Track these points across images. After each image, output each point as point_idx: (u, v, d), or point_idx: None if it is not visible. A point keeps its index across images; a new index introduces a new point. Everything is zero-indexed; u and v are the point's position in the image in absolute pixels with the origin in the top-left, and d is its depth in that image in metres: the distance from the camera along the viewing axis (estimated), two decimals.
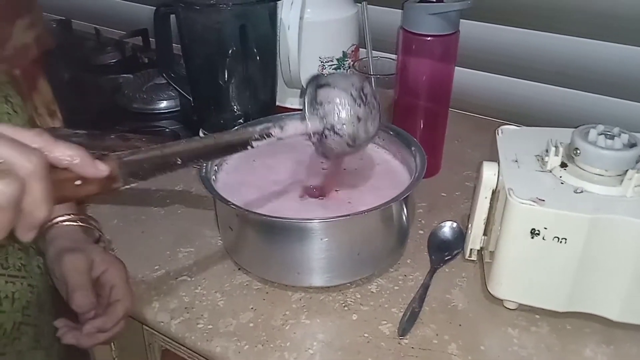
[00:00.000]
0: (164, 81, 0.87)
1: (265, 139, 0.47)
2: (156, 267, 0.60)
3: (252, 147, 0.46)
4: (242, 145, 0.47)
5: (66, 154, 0.33)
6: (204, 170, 0.57)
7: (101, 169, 0.35)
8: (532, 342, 0.51)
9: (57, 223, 0.53)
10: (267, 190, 0.59)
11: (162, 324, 0.53)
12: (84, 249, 0.51)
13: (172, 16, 0.69)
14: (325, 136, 0.49)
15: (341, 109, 0.48)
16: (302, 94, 0.51)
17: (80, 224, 0.54)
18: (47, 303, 0.59)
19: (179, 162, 0.41)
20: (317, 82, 0.50)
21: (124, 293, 0.49)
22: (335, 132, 0.49)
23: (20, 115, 0.51)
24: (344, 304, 0.55)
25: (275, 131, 0.48)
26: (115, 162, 0.37)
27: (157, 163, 0.40)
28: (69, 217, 0.54)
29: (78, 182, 0.34)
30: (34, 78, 0.61)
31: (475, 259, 0.59)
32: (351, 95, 0.49)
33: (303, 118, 0.50)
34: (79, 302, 0.48)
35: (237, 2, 0.65)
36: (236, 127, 0.63)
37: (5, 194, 0.28)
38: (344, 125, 0.49)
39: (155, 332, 0.57)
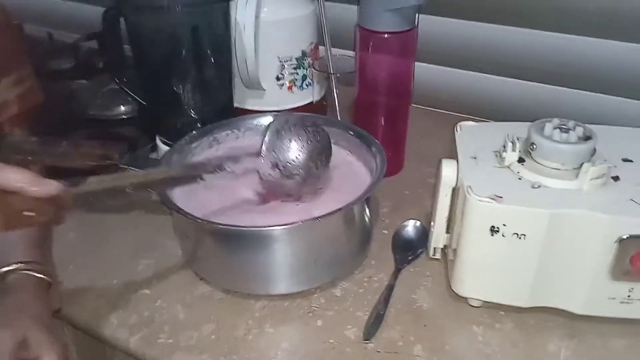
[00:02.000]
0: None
1: (218, 172, 0.50)
2: (115, 281, 0.58)
3: (203, 180, 0.48)
4: (194, 178, 0.50)
5: (14, 178, 0.35)
6: None
7: (50, 187, 0.36)
8: (496, 339, 0.51)
9: (14, 270, 0.49)
10: (225, 197, 0.57)
11: (120, 340, 0.52)
12: (19, 324, 0.44)
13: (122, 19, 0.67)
14: (279, 174, 0.54)
15: (294, 148, 0.54)
16: (263, 134, 0.56)
17: (36, 274, 0.50)
18: None
19: (130, 191, 0.43)
20: (275, 122, 0.57)
21: None
22: (287, 170, 0.54)
23: None
24: (308, 310, 0.54)
25: (229, 165, 0.51)
26: (66, 192, 0.38)
27: (107, 193, 0.42)
28: (26, 265, 0.49)
29: (28, 213, 0.36)
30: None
31: (439, 257, 0.59)
32: (305, 134, 0.55)
33: (258, 154, 0.54)
34: None
35: (187, 4, 0.63)
36: (193, 142, 0.63)
37: None
38: (296, 164, 0.54)
39: (116, 350, 0.55)
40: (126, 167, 0.59)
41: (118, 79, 0.70)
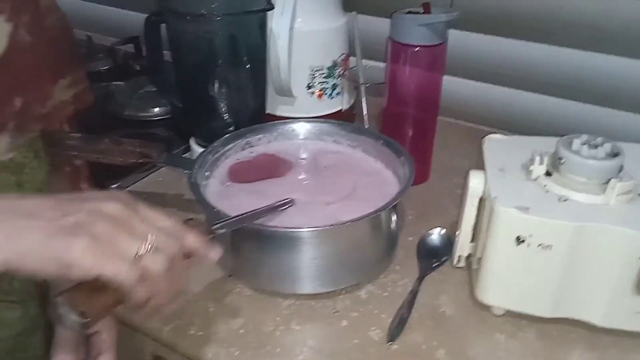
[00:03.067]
0: (156, 88, 0.88)
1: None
2: None
3: None
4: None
5: (196, 241, 0.42)
6: (192, 177, 0.58)
7: (215, 254, 0.45)
8: (518, 348, 0.52)
9: None
10: (262, 201, 0.59)
11: (153, 330, 0.54)
12: None
13: (163, 25, 0.70)
14: None
15: None
16: None
17: None
18: (37, 330, 0.59)
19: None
20: None
21: None
22: None
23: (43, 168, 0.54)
24: (334, 311, 0.56)
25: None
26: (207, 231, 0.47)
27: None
28: None
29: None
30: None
31: (463, 266, 0.60)
32: None
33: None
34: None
35: (228, 12, 0.66)
36: None
37: (161, 265, 0.37)
38: None
39: (147, 339, 0.57)
40: (163, 165, 0.61)
41: (156, 81, 0.73)
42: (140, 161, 0.60)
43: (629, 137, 0.74)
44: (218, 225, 0.49)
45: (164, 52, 0.73)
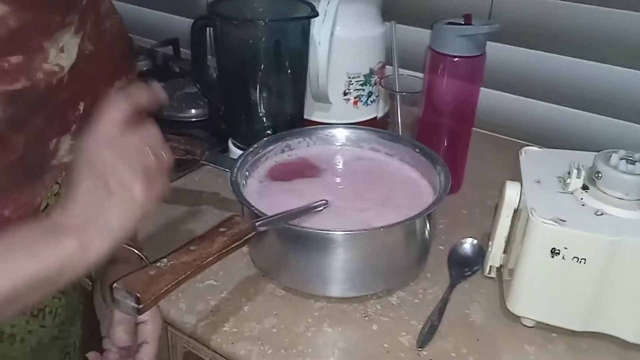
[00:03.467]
0: (194, 90, 0.90)
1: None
2: None
3: None
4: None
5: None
6: (233, 175, 0.60)
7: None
8: None
9: (124, 245, 0.53)
10: (300, 201, 0.60)
11: (188, 325, 0.55)
12: None
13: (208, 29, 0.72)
14: None
15: None
16: None
17: (140, 254, 0.56)
18: (78, 318, 0.62)
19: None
20: None
21: (151, 353, 0.50)
22: None
23: None
24: (364, 315, 0.57)
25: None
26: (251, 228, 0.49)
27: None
28: (131, 245, 0.55)
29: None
30: None
31: (494, 276, 0.61)
32: None
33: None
34: (119, 336, 0.50)
35: (273, 18, 0.68)
36: None
37: None
38: None
39: (180, 334, 0.59)
40: (206, 163, 0.63)
41: (199, 84, 0.75)
42: (184, 157, 0.62)
43: None
44: (260, 222, 0.50)
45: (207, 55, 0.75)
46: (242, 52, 0.70)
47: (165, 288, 0.41)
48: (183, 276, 0.42)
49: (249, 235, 0.48)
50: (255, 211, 0.54)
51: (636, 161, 0.52)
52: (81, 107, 0.52)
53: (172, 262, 0.42)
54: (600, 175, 0.52)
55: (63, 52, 0.47)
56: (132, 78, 0.60)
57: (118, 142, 0.41)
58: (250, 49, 0.69)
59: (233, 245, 0.46)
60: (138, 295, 0.39)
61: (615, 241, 0.48)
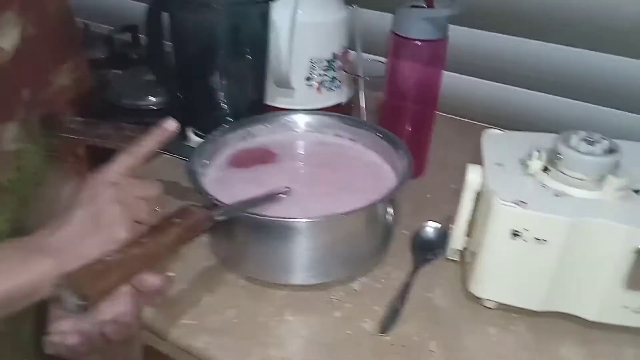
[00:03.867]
0: (154, 78, 0.87)
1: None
2: None
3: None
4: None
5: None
6: (191, 164, 0.58)
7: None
8: (509, 341, 0.52)
9: None
10: (259, 189, 0.59)
11: (145, 318, 0.54)
12: None
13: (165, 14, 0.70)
14: None
15: None
16: None
17: None
18: (31, 314, 0.59)
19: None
20: None
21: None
22: None
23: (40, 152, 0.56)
24: (327, 302, 0.56)
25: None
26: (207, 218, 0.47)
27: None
28: None
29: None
30: None
31: (457, 259, 0.60)
32: None
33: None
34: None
35: (231, 2, 0.66)
36: None
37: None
38: None
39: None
40: (163, 152, 0.61)
41: (156, 71, 0.73)
42: None
43: (625, 135, 0.74)
44: (218, 212, 0.49)
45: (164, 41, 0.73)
46: (199, 38, 0.68)
47: (113, 283, 0.39)
48: (132, 270, 0.41)
49: (205, 226, 0.46)
50: (213, 200, 0.52)
51: (595, 142, 0.52)
52: (26, 93, 0.50)
53: (120, 255, 0.40)
54: (560, 156, 0.52)
55: (3, 37, 0.45)
56: (79, 62, 0.58)
57: (122, 186, 0.45)
58: (207, 34, 0.67)
59: (188, 237, 0.44)
60: (82, 292, 0.37)
61: (575, 222, 0.48)
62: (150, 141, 0.49)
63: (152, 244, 0.42)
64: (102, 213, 0.43)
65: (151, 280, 0.43)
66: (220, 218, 0.49)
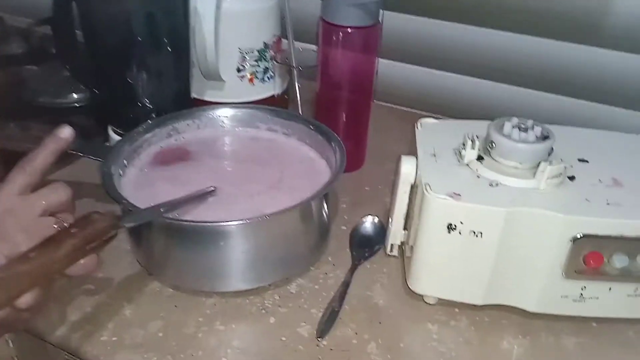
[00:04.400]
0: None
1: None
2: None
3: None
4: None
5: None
6: (106, 165, 0.53)
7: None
8: (451, 337, 0.51)
9: None
10: (180, 189, 0.55)
11: (60, 338, 0.49)
12: None
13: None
14: None
15: None
16: None
17: None
18: None
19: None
20: None
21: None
22: None
23: None
24: (261, 307, 0.53)
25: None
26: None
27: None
28: None
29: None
30: None
31: (396, 254, 0.58)
32: None
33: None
34: None
35: None
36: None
37: None
38: None
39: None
40: (75, 152, 0.56)
41: (69, 66, 0.67)
42: None
43: (559, 120, 0.74)
44: (125, 218, 0.44)
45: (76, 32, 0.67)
46: (112, 28, 0.62)
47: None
48: (17, 291, 0.36)
49: (110, 235, 0.42)
50: (124, 204, 0.48)
51: (528, 128, 0.51)
52: None
53: (2, 274, 0.36)
54: (493, 144, 0.50)
55: None
56: None
57: (19, 211, 0.41)
58: (120, 24, 0.62)
59: (87, 248, 0.40)
60: None
61: (511, 212, 0.46)
62: (44, 153, 0.44)
63: (42, 259, 0.37)
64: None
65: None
66: (129, 224, 0.45)
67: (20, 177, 0.42)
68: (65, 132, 0.45)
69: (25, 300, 0.38)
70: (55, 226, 0.42)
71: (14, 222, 0.40)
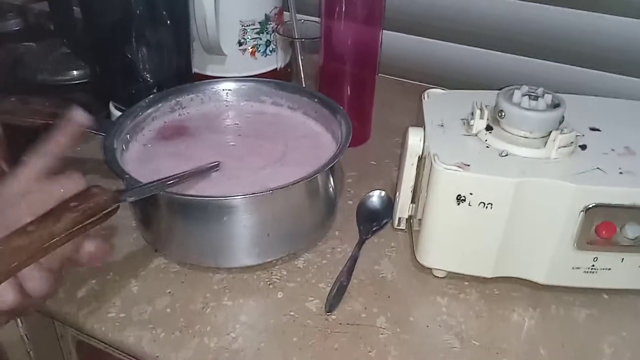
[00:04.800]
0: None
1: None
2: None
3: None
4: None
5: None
6: (108, 140, 0.52)
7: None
8: (460, 310, 0.50)
9: None
10: (185, 164, 0.54)
11: (68, 315, 0.49)
12: None
13: None
14: None
15: None
16: None
17: None
18: None
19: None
20: None
21: None
22: None
23: None
24: (269, 282, 0.52)
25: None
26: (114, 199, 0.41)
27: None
28: None
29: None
30: None
31: (404, 228, 0.58)
32: None
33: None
34: None
35: None
36: None
37: None
38: None
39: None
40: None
41: (68, 41, 0.66)
42: (51, 122, 0.53)
43: (568, 89, 0.72)
44: (126, 192, 0.43)
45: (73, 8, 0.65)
46: (110, 2, 0.61)
47: (14, 264, 0.34)
48: (15, 264, 0.35)
49: (109, 209, 0.41)
50: (128, 178, 0.47)
51: (539, 97, 0.49)
52: None
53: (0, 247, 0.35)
54: (503, 114, 0.49)
55: None
56: None
57: (34, 195, 0.39)
58: None
59: (87, 223, 0.39)
60: None
61: (521, 182, 0.46)
62: (61, 138, 0.42)
63: (40, 232, 0.36)
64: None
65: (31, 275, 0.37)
66: (130, 199, 0.44)
67: (39, 161, 0.41)
68: (80, 116, 0.44)
69: (36, 287, 0.38)
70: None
71: (28, 206, 0.39)
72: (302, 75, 0.73)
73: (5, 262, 0.34)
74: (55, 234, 0.37)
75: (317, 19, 0.73)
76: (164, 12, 0.63)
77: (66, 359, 0.59)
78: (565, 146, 0.47)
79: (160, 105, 0.61)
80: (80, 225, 0.38)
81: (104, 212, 0.40)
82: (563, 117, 0.49)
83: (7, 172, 0.52)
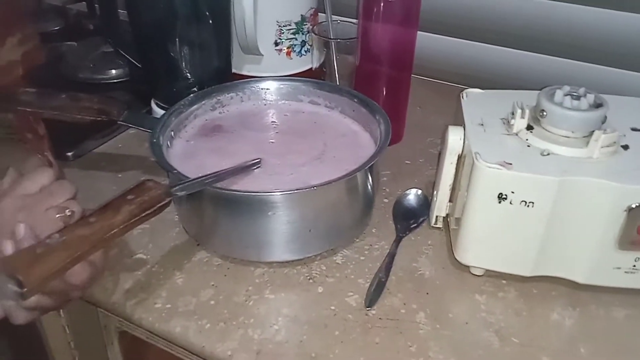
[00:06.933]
0: (112, 49, 0.82)
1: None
2: None
3: None
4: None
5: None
6: (155, 136, 0.54)
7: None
8: (499, 308, 0.50)
9: None
10: (228, 161, 0.55)
11: (116, 305, 0.50)
12: None
13: None
14: None
15: None
16: None
17: None
18: None
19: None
20: None
21: None
22: None
23: None
24: (309, 277, 0.53)
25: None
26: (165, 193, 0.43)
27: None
28: None
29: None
30: None
31: (441, 227, 0.58)
32: None
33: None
34: None
35: None
36: None
37: None
38: None
39: (110, 314, 0.54)
40: (124, 123, 0.57)
41: (113, 41, 0.68)
42: (99, 118, 0.55)
43: (609, 91, 0.72)
44: (177, 187, 0.45)
45: (118, 9, 0.67)
46: (156, 3, 0.62)
47: (56, 268, 0.35)
48: (78, 253, 0.37)
49: (163, 202, 0.42)
50: (176, 173, 0.49)
51: (581, 96, 0.50)
52: None
53: (65, 237, 0.36)
54: (544, 113, 0.50)
55: None
56: (29, 35, 0.53)
57: (28, 206, 0.41)
58: None
59: (142, 215, 0.40)
60: (20, 278, 0.33)
61: (563, 181, 0.46)
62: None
63: (101, 224, 0.38)
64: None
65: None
66: (181, 193, 0.45)
67: (44, 178, 0.43)
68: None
69: (78, 276, 0.39)
70: (58, 216, 0.42)
71: (25, 218, 0.40)
72: (337, 75, 0.73)
73: (70, 251, 0.36)
74: (115, 225, 0.38)
75: (351, 19, 0.74)
76: (207, 12, 0.64)
77: (108, 349, 0.61)
78: (607, 146, 0.48)
79: (202, 102, 0.62)
80: (137, 218, 0.39)
81: (158, 205, 0.41)
82: (605, 117, 0.49)
83: (54, 164, 0.54)
